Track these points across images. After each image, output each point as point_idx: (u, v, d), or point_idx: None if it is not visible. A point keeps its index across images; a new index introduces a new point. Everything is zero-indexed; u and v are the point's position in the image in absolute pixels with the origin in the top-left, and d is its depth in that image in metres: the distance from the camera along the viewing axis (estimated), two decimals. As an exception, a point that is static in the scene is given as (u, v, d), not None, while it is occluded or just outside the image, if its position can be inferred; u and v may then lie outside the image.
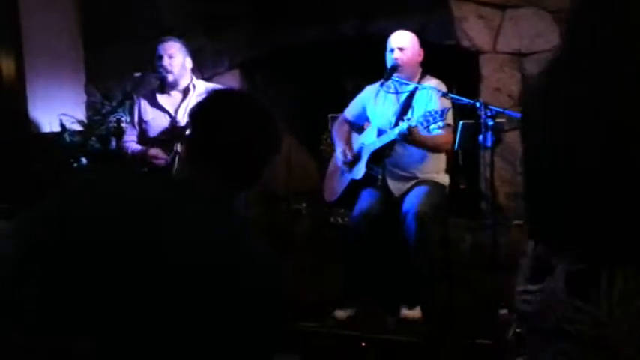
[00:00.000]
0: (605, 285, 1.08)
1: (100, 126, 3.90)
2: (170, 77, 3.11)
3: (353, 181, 3.11)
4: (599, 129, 1.10)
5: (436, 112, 2.63)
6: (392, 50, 2.93)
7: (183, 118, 3.06)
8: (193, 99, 3.13)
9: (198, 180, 1.21)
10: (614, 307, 1.06)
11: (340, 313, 2.90)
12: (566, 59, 1.22)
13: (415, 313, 2.82)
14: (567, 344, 1.12)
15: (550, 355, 1.15)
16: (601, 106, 1.11)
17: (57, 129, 3.85)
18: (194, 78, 3.24)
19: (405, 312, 2.82)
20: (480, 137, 2.53)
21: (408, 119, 2.74)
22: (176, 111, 3.12)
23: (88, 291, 1.07)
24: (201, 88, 3.19)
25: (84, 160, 3.72)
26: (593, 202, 1.11)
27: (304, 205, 3.67)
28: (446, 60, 3.24)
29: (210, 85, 3.23)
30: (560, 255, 1.15)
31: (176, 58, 3.13)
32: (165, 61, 3.10)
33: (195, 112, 1.28)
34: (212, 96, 1.31)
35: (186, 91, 3.17)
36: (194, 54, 3.28)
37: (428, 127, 2.67)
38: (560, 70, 1.23)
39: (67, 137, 3.82)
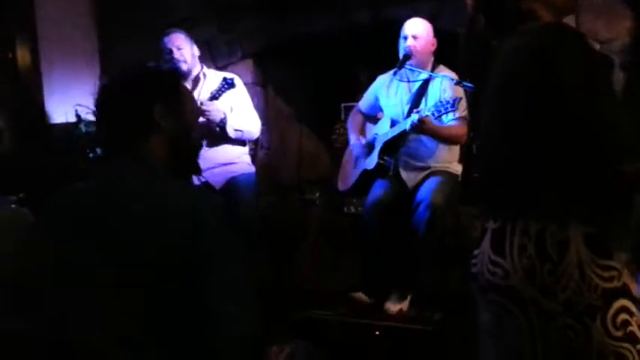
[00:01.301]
0: (510, 237, 1.23)
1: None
2: (184, 66, 3.12)
3: (365, 171, 3.11)
4: (502, 104, 1.29)
5: (447, 102, 2.62)
6: (405, 38, 2.91)
7: None
8: (204, 88, 3.15)
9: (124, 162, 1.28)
10: (515, 258, 1.21)
11: (361, 296, 2.89)
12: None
13: (403, 305, 2.81)
14: (492, 294, 1.27)
15: (485, 305, 1.30)
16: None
17: (72, 119, 3.88)
18: (204, 67, 3.25)
19: (390, 304, 2.82)
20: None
21: (418, 111, 2.73)
22: None
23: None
24: (212, 76, 3.20)
25: (99, 150, 3.74)
26: (502, 166, 1.30)
27: (317, 194, 3.67)
28: (458, 47, 3.21)
29: (222, 74, 3.23)
30: (488, 217, 1.30)
31: (184, 49, 3.14)
32: (176, 53, 3.11)
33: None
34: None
35: (196, 80, 3.18)
36: (208, 44, 3.29)
37: (440, 116, 2.66)
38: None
39: (82, 127, 3.85)
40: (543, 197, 1.21)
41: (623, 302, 1.18)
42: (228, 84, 3.03)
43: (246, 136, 3.20)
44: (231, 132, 3.08)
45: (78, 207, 1.26)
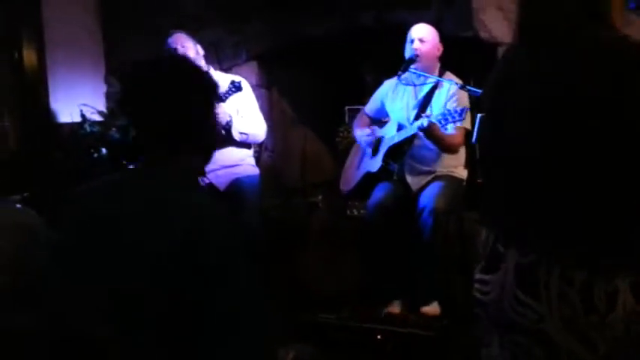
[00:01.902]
0: (545, 279, 1.12)
1: (119, 116, 3.93)
2: None
3: (368, 174, 3.11)
4: (546, 124, 1.13)
5: (456, 112, 2.62)
6: (412, 41, 2.91)
7: None
8: None
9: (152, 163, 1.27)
10: (552, 302, 1.11)
11: (392, 308, 2.89)
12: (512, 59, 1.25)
13: (433, 308, 2.81)
14: (517, 335, 1.16)
15: (501, 344, 1.20)
16: (545, 104, 1.12)
17: (77, 119, 3.89)
18: (210, 68, 3.25)
19: (425, 309, 2.82)
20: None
21: (428, 115, 2.73)
22: None
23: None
24: (218, 78, 3.20)
25: (104, 150, 3.75)
26: (537, 196, 1.15)
27: (320, 197, 3.67)
28: (463, 52, 3.21)
29: (229, 76, 3.24)
30: (510, 247, 1.18)
31: (189, 48, 3.16)
32: (181, 52, 3.12)
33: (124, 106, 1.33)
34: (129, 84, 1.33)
35: None
36: (213, 45, 3.30)
37: (446, 125, 2.66)
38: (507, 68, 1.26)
39: (87, 127, 3.86)
40: (592, 245, 1.11)
41: None
42: (236, 87, 3.04)
43: (251, 139, 3.21)
44: (236, 135, 3.09)
45: (98, 204, 1.25)
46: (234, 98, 3.08)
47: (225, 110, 3.04)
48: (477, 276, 1.26)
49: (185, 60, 1.36)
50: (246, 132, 3.13)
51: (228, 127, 3.05)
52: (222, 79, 3.19)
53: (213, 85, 1.33)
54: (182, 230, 1.15)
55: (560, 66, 1.12)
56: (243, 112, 3.16)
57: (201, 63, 3.20)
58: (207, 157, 1.36)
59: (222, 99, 3.03)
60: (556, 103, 1.11)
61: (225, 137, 3.08)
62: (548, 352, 1.13)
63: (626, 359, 1.11)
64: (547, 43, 1.16)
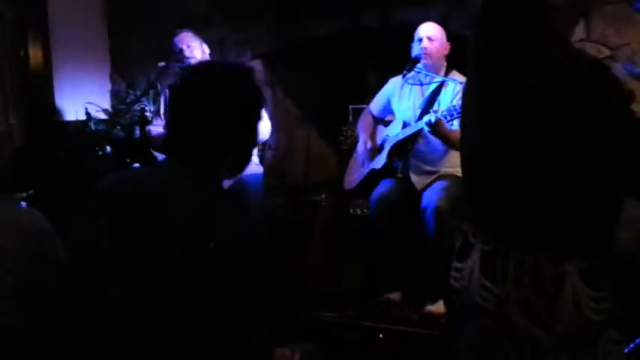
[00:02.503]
0: (503, 265, 1.21)
1: (124, 115, 3.95)
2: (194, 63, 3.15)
3: (373, 171, 3.11)
4: (502, 128, 1.22)
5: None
6: (420, 40, 2.91)
7: None
8: None
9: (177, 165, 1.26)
10: (509, 287, 1.20)
11: (393, 295, 2.90)
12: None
13: (439, 307, 2.81)
14: (484, 318, 1.25)
15: (473, 328, 1.29)
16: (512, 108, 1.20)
17: (82, 117, 3.91)
18: None
19: (430, 307, 2.83)
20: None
21: (436, 111, 2.73)
22: None
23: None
24: None
25: (108, 149, 3.77)
26: (496, 188, 1.26)
27: (324, 196, 3.68)
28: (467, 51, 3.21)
29: None
30: (476, 236, 1.29)
31: (195, 47, 3.18)
32: (186, 51, 3.15)
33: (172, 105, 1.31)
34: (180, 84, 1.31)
35: None
36: (218, 44, 3.32)
37: (452, 120, 2.66)
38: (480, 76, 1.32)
39: (92, 125, 3.88)
40: (542, 231, 1.20)
41: (611, 332, 1.20)
42: None
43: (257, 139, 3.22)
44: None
45: (122, 200, 1.23)
46: None
47: None
48: (453, 264, 1.36)
49: (249, 73, 1.33)
50: None
51: None
52: None
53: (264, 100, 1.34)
54: (209, 234, 1.15)
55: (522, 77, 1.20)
56: None
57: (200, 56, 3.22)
58: (238, 170, 1.36)
59: None
60: (515, 109, 1.19)
61: None
62: (510, 333, 1.21)
63: (581, 340, 1.18)
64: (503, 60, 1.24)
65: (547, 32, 1.20)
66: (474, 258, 1.28)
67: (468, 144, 1.37)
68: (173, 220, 1.17)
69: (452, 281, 1.34)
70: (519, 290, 1.19)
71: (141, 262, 1.16)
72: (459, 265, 1.32)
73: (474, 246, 1.29)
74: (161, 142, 1.36)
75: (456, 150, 2.93)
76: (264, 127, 3.23)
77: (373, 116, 3.26)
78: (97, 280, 1.21)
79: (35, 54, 3.86)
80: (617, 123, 1.14)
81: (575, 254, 1.18)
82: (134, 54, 4.18)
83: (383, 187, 2.98)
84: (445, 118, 2.66)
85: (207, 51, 3.25)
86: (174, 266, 1.13)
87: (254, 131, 1.32)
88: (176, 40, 3.21)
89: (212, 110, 1.24)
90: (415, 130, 2.88)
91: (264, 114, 3.24)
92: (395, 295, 2.89)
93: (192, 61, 3.14)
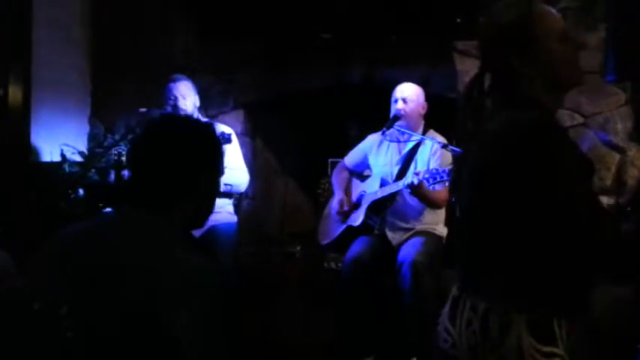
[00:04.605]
0: (461, 309, 1.27)
1: (100, 158, 3.91)
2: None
3: (349, 227, 3.10)
4: (471, 188, 1.32)
5: (444, 171, 2.66)
6: (396, 100, 2.98)
7: None
8: None
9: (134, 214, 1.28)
10: (462, 330, 1.25)
11: None
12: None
13: None
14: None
15: None
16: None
17: (57, 158, 3.86)
18: (200, 116, 3.26)
19: None
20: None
21: (418, 173, 2.76)
22: None
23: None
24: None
25: (81, 192, 3.71)
26: (464, 239, 1.34)
27: (298, 248, 3.65)
28: (449, 111, 3.28)
29: (219, 126, 3.24)
30: (453, 284, 1.34)
31: (188, 99, 3.15)
32: (180, 102, 3.12)
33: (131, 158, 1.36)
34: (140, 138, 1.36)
35: None
36: (202, 92, 3.32)
37: (433, 184, 2.69)
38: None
39: (66, 167, 3.82)
40: (493, 278, 1.24)
41: None
42: (225, 139, 3.03)
43: (234, 190, 3.20)
44: (221, 186, 3.06)
45: (78, 250, 1.22)
46: (228, 153, 3.07)
47: None
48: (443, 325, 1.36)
49: (208, 126, 1.39)
50: (230, 183, 3.12)
51: None
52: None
53: (222, 153, 1.38)
54: (158, 286, 1.13)
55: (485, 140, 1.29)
56: (230, 163, 3.15)
57: (195, 114, 3.20)
58: (200, 219, 1.37)
59: None
60: (476, 173, 1.30)
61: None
62: None
63: None
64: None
65: (521, 99, 1.28)
66: (448, 303, 1.33)
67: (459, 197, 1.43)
68: (125, 267, 1.16)
69: (441, 343, 1.33)
70: (469, 333, 1.23)
71: (94, 313, 1.14)
72: (441, 311, 1.35)
73: (451, 292, 1.33)
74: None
75: (434, 208, 2.95)
76: (242, 179, 3.21)
77: (349, 170, 3.28)
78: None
79: (14, 93, 3.83)
80: (547, 187, 1.17)
81: (526, 305, 1.19)
82: (115, 98, 4.18)
83: (357, 246, 2.96)
84: (427, 181, 2.68)
85: (198, 104, 3.24)
86: (125, 314, 1.12)
87: (209, 183, 1.35)
88: (172, 86, 3.16)
89: (162, 158, 1.28)
90: (395, 190, 2.90)
91: (243, 165, 3.24)
92: None
93: (183, 113, 3.11)
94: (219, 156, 1.37)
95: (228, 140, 3.04)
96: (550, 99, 1.31)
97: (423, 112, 3.03)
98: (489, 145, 1.26)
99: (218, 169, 1.37)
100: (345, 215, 3.14)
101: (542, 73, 1.28)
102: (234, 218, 3.26)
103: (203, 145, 1.33)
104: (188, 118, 1.45)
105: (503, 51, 1.29)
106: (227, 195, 3.22)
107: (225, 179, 3.07)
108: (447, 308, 1.32)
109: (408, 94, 2.98)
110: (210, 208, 1.40)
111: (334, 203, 3.19)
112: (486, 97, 1.34)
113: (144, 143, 1.32)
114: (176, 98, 3.13)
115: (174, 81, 3.17)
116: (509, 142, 1.21)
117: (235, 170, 3.17)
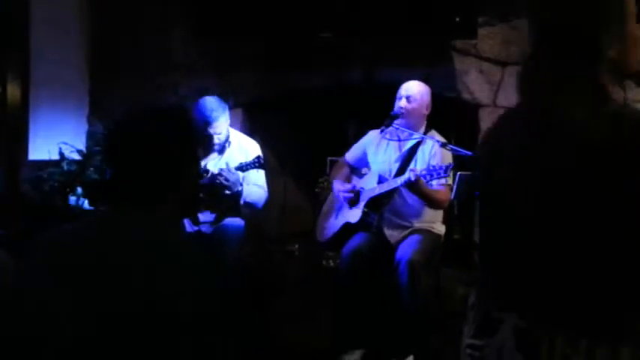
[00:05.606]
0: (548, 344, 1.09)
1: (98, 156, 3.91)
2: (217, 141, 3.09)
3: (347, 224, 3.10)
4: (543, 195, 1.10)
5: (441, 168, 2.66)
6: (400, 97, 2.98)
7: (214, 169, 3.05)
8: (232, 155, 3.14)
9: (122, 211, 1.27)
10: None
11: (350, 356, 2.84)
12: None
13: None
14: None
15: None
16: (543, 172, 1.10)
17: (56, 157, 3.85)
18: (229, 131, 3.19)
19: None
20: (477, 189, 2.54)
21: (414, 169, 2.76)
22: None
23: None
24: (236, 143, 3.20)
25: (79, 190, 3.70)
26: (537, 267, 1.12)
27: (297, 246, 3.65)
28: (448, 110, 3.28)
29: (246, 141, 3.23)
30: (507, 311, 1.15)
31: (223, 129, 3.10)
32: (216, 129, 3.03)
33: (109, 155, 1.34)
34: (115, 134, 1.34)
35: (223, 146, 3.16)
36: (201, 92, 3.31)
37: (431, 180, 2.69)
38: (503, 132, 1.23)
39: (64, 165, 3.82)
40: (598, 313, 1.08)
41: None
42: (260, 164, 3.04)
43: (253, 204, 3.20)
44: (242, 203, 3.10)
45: (65, 252, 1.22)
46: (253, 170, 3.09)
47: (239, 179, 3.03)
48: (468, 341, 1.23)
49: (183, 112, 1.38)
50: (250, 201, 3.13)
51: (236, 193, 3.03)
52: (239, 145, 3.19)
53: (200, 139, 1.36)
54: (153, 279, 1.13)
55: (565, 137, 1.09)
56: (254, 182, 3.17)
57: (226, 130, 3.14)
58: (187, 209, 1.36)
59: (242, 168, 3.02)
60: (559, 177, 1.09)
61: (224, 198, 3.05)
62: None
63: None
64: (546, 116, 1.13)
65: (597, 87, 1.12)
66: (505, 335, 1.14)
67: (494, 214, 1.24)
68: (119, 266, 1.16)
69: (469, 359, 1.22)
70: None
71: (87, 311, 1.13)
72: (479, 342, 1.20)
73: (501, 321, 1.16)
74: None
75: (433, 207, 2.95)
76: (261, 196, 3.21)
77: (349, 165, 3.27)
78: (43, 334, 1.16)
79: (13, 91, 3.83)
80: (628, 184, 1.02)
81: (628, 337, 1.07)
82: (114, 97, 4.17)
83: (356, 240, 2.97)
84: (425, 177, 2.68)
85: (229, 121, 3.18)
86: (120, 313, 1.11)
87: (188, 170, 1.33)
88: (209, 115, 2.99)
89: (138, 154, 1.27)
90: (393, 187, 2.89)
91: (264, 184, 3.24)
92: (354, 356, 2.82)
93: (216, 139, 3.06)
94: (195, 142, 1.35)
95: (262, 165, 3.06)
96: (614, 88, 1.13)
97: (426, 111, 3.01)
98: (585, 142, 1.05)
99: (197, 155, 1.35)
100: (350, 201, 3.11)
101: (620, 59, 1.12)
102: (242, 220, 3.26)
103: (178, 136, 1.31)
104: (159, 109, 1.42)
105: (591, 28, 1.11)
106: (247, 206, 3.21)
107: (246, 197, 3.10)
108: (507, 341, 1.14)
109: (412, 93, 2.97)
110: (193, 197, 1.39)
111: (336, 191, 3.18)
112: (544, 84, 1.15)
113: (118, 142, 1.30)
114: (213, 136, 3.04)
115: (212, 116, 3.00)
116: (624, 141, 1.02)
117: (258, 189, 3.18)
